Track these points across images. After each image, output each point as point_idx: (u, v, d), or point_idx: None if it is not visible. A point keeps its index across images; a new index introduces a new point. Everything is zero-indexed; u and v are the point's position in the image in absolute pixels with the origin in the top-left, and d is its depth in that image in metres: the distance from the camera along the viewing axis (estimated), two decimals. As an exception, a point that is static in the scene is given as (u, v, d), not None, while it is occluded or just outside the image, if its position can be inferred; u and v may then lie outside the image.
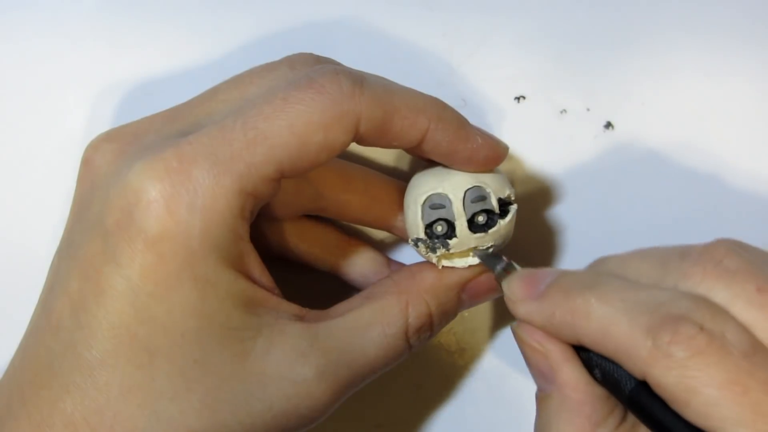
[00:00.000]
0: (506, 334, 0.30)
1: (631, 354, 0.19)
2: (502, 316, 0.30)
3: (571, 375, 0.21)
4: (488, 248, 0.25)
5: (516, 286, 0.23)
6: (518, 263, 0.30)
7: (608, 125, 0.30)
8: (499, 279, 0.24)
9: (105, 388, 0.21)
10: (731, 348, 0.18)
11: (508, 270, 0.24)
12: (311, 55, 0.25)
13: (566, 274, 0.22)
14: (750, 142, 0.30)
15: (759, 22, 0.31)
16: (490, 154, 0.25)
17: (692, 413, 0.18)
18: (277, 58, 0.30)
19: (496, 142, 0.25)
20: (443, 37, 0.31)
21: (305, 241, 0.27)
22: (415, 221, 0.25)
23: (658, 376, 0.18)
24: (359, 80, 0.22)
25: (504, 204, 0.25)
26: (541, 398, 0.22)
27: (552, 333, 0.21)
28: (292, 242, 0.27)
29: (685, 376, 0.18)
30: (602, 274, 0.22)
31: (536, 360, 0.22)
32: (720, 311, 0.19)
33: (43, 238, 0.29)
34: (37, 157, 0.31)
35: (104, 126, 0.30)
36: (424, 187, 0.25)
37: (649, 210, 0.30)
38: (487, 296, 0.26)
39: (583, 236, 0.30)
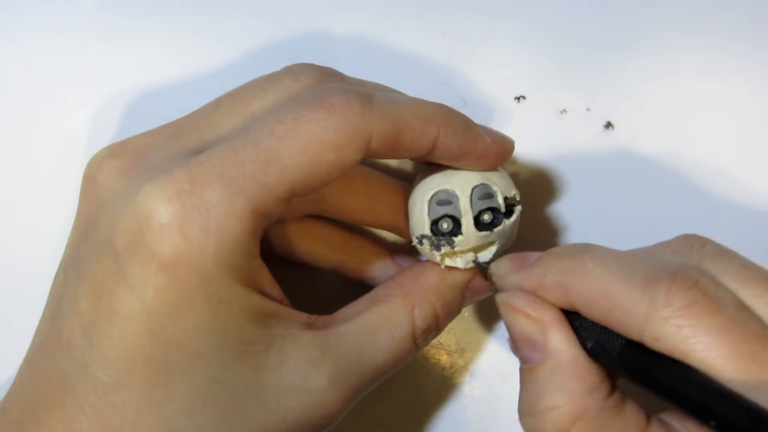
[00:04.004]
0: (506, 334, 0.30)
1: (628, 309, 0.19)
2: (502, 315, 0.30)
3: (564, 339, 0.21)
4: (491, 258, 0.25)
5: (505, 264, 0.23)
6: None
7: (608, 125, 0.30)
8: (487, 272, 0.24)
9: (121, 407, 0.21)
10: (725, 301, 0.19)
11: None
12: (313, 65, 0.25)
13: (555, 247, 0.22)
14: (750, 142, 0.30)
15: (759, 22, 0.31)
16: (500, 151, 0.25)
17: (692, 363, 0.18)
18: (278, 59, 0.31)
19: (503, 138, 0.25)
20: (443, 37, 0.31)
21: (308, 240, 0.27)
22: (421, 217, 0.25)
23: (656, 328, 0.19)
24: (367, 98, 0.22)
25: (509, 204, 0.25)
26: (528, 370, 0.22)
27: (542, 295, 0.21)
28: (295, 242, 0.27)
29: (684, 325, 0.18)
30: (592, 244, 0.22)
31: (526, 327, 0.22)
32: (710, 275, 0.19)
33: (44, 243, 0.29)
34: (38, 159, 0.30)
35: (105, 127, 0.30)
36: (432, 183, 0.25)
37: (649, 209, 0.30)
38: (487, 293, 0.26)
39: (583, 236, 0.30)
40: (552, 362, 0.21)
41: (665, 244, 0.21)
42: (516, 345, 0.22)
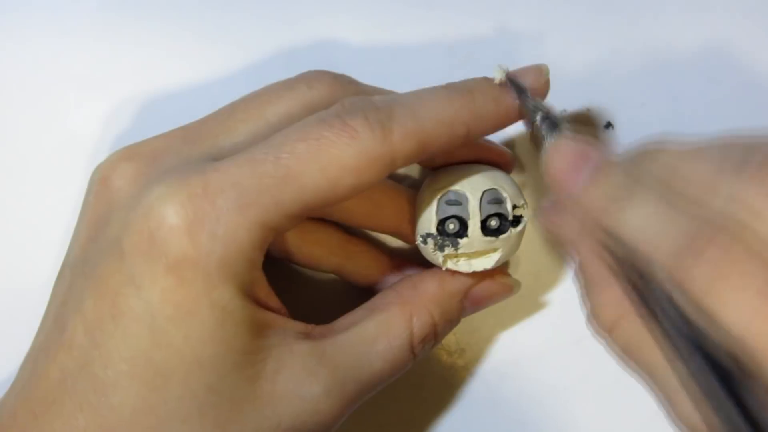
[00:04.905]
0: (506, 334, 0.30)
1: (660, 257, 0.18)
2: (502, 316, 0.30)
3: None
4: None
5: (561, 160, 0.22)
6: (520, 264, 0.30)
7: (608, 125, 0.30)
8: (537, 132, 0.23)
9: (118, 408, 0.21)
10: None
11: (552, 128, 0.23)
12: (327, 72, 0.25)
13: (609, 167, 0.21)
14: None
15: (759, 23, 0.31)
16: (539, 84, 0.24)
17: (719, 320, 0.17)
18: (278, 58, 0.31)
19: (537, 84, 0.24)
20: (443, 37, 0.31)
21: (307, 243, 0.27)
22: (428, 215, 0.25)
23: (686, 277, 0.17)
24: (389, 119, 0.22)
25: (516, 214, 0.25)
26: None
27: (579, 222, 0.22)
28: (294, 244, 0.27)
29: (718, 277, 0.17)
30: (644, 181, 0.20)
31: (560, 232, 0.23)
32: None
33: (47, 243, 0.29)
34: (40, 159, 0.30)
35: (107, 128, 0.30)
36: (442, 183, 0.25)
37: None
38: (488, 303, 0.26)
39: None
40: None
41: (739, 170, 0.19)
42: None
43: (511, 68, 0.24)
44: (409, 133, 0.22)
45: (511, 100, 0.24)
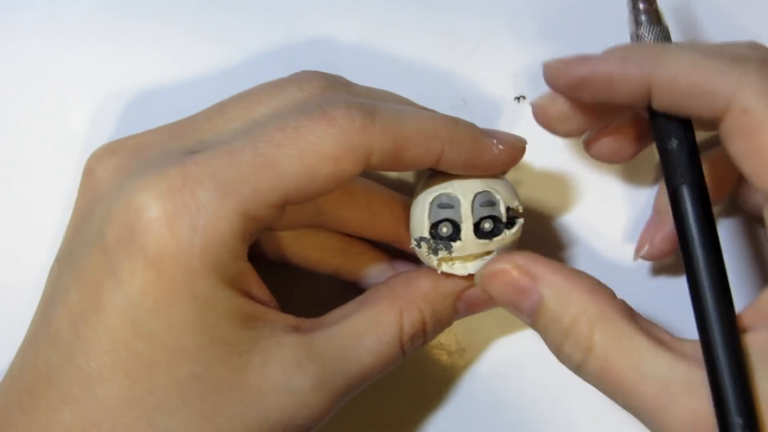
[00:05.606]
0: (507, 334, 0.30)
1: (716, 82, 0.20)
2: (503, 316, 0.30)
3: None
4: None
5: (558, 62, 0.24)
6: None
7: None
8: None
9: (103, 400, 0.21)
10: None
11: None
12: (319, 74, 0.25)
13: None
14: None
15: (758, 23, 0.31)
16: (508, 160, 0.25)
17: None
18: (277, 58, 0.31)
19: (514, 144, 0.25)
20: (443, 37, 0.31)
21: (305, 247, 0.27)
22: (421, 219, 0.25)
23: (746, 100, 0.20)
24: (370, 113, 0.22)
25: (511, 216, 0.25)
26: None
27: (618, 80, 0.22)
28: (292, 248, 0.27)
29: None
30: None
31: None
32: None
33: (43, 240, 0.29)
34: (37, 158, 0.31)
35: (105, 128, 0.31)
36: (435, 186, 0.25)
37: (649, 208, 0.30)
38: (482, 308, 0.26)
39: (582, 235, 0.30)
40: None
41: (733, 43, 0.23)
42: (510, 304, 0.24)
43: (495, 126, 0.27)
44: (388, 130, 0.22)
45: (490, 145, 0.24)
